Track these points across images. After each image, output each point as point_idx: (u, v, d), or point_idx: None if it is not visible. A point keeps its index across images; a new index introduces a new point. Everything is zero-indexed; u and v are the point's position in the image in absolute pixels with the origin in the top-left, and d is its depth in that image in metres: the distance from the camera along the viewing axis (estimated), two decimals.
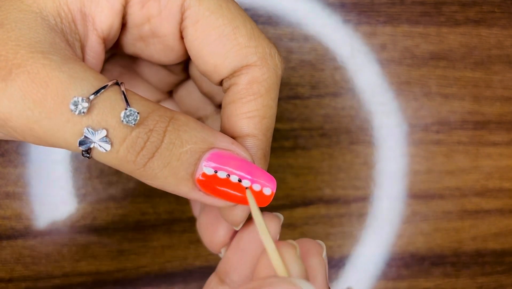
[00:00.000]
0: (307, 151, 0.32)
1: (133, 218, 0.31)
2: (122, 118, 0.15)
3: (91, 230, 0.31)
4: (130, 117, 0.15)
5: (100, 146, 0.15)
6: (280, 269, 0.16)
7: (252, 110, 0.19)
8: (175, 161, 0.16)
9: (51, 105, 0.15)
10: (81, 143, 0.15)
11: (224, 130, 0.19)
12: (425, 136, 0.33)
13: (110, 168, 0.31)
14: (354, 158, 0.33)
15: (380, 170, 0.33)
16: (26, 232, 0.30)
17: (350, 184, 0.33)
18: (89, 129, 0.15)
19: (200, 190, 0.17)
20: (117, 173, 0.31)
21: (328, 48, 0.32)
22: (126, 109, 0.15)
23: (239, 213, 0.19)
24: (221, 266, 0.21)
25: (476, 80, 0.33)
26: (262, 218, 0.17)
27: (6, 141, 0.30)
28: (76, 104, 0.15)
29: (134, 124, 0.15)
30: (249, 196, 0.17)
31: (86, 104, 0.15)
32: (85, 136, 0.15)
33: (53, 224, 0.31)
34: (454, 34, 0.33)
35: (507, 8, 0.33)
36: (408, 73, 0.33)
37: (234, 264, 0.20)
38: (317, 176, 0.32)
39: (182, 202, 0.32)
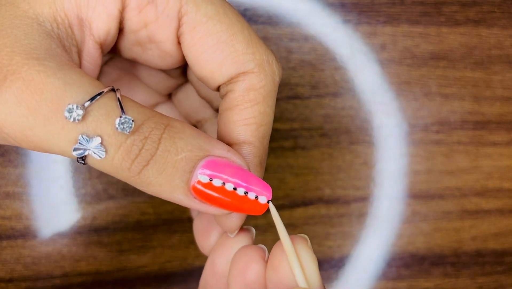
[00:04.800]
0: (307, 151, 0.32)
1: (133, 218, 0.31)
2: (116, 126, 0.15)
3: (91, 230, 0.31)
4: (125, 124, 0.15)
5: (94, 153, 0.15)
6: (300, 279, 0.16)
7: (248, 117, 0.19)
8: (170, 169, 0.16)
9: (46, 112, 0.15)
10: (75, 150, 0.15)
11: (220, 137, 0.19)
12: (425, 136, 0.33)
13: None
14: (354, 158, 0.33)
15: (380, 170, 0.33)
16: (26, 232, 0.30)
17: (350, 184, 0.33)
18: (83, 136, 0.15)
19: (195, 198, 0.17)
20: None
21: (328, 48, 0.32)
22: (121, 116, 0.15)
23: (234, 220, 0.19)
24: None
25: (476, 80, 0.33)
26: (285, 230, 0.17)
27: None
28: (70, 111, 0.15)
29: (128, 132, 0.15)
30: (271, 207, 0.18)
31: (80, 112, 0.15)
32: (79, 143, 0.15)
33: (53, 224, 0.31)
34: (454, 34, 0.33)
35: (507, 8, 0.33)
36: (408, 73, 0.33)
37: (213, 286, 0.20)
38: (317, 176, 0.32)
39: None
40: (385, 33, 0.32)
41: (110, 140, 0.15)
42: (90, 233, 0.31)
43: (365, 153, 0.33)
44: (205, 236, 0.21)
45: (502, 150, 0.34)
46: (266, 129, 0.19)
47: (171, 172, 0.16)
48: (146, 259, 0.31)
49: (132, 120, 0.15)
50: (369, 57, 0.33)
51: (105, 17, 0.18)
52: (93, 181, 0.31)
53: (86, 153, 0.15)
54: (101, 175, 0.31)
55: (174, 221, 0.32)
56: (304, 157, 0.32)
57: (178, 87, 0.24)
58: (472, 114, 0.33)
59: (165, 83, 0.23)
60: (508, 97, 0.34)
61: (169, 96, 0.25)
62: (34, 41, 0.16)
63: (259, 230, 0.32)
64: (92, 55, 0.18)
